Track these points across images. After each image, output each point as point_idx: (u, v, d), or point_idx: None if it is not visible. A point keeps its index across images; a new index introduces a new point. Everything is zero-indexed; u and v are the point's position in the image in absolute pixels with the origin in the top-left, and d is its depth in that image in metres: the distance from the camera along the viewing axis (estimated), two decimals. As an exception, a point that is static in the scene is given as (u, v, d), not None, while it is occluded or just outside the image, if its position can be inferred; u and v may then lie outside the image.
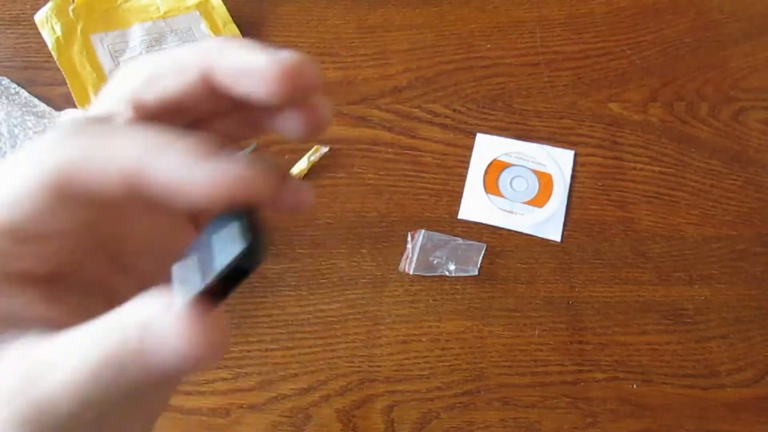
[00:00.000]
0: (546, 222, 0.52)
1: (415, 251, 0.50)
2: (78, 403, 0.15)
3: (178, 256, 0.16)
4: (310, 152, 0.54)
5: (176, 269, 0.15)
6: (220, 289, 0.15)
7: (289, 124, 0.18)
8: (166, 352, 0.14)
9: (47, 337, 0.16)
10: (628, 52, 0.60)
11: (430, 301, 0.49)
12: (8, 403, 0.15)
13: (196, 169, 0.15)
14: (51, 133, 0.16)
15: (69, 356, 0.15)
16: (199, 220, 0.21)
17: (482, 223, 0.52)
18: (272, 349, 0.47)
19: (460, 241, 0.50)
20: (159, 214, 0.19)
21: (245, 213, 0.15)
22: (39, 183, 0.16)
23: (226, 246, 0.15)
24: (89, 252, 0.18)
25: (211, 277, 0.14)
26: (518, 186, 0.54)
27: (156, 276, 0.18)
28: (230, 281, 0.15)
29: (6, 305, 0.16)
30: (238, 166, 0.15)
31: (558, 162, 0.54)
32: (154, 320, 0.14)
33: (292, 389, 0.46)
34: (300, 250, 0.51)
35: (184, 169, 0.15)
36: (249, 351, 0.47)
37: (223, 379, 0.46)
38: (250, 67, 0.16)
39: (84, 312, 0.17)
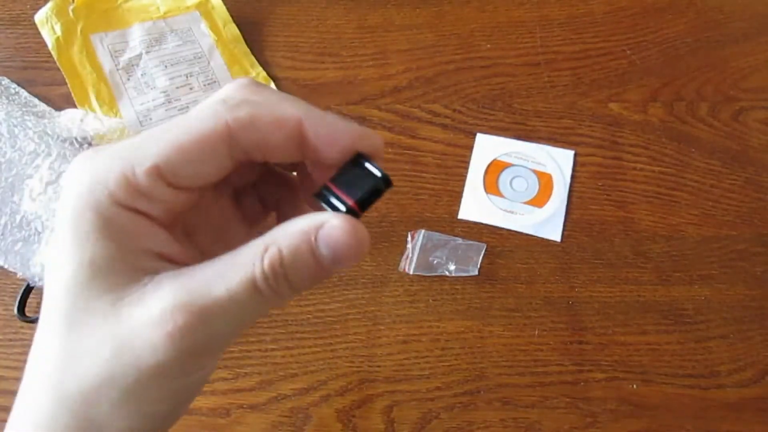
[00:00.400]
0: (546, 222, 0.52)
1: (415, 251, 0.50)
2: (237, 311, 0.19)
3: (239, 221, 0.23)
4: (310, 152, 0.54)
5: (318, 197, 0.21)
6: (363, 205, 0.21)
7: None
8: (338, 245, 0.19)
9: (191, 269, 0.20)
10: (628, 52, 0.61)
11: (430, 301, 0.49)
12: (174, 315, 0.18)
13: (344, 127, 0.21)
14: (218, 94, 0.20)
15: (231, 270, 0.19)
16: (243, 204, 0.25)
17: (482, 223, 0.52)
18: (272, 349, 0.47)
19: (460, 241, 0.50)
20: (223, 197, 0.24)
21: (366, 160, 0.22)
22: (212, 133, 0.19)
23: (362, 178, 0.21)
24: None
25: (359, 194, 0.21)
26: (518, 186, 0.54)
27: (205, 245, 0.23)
28: (371, 198, 0.21)
29: (153, 241, 0.20)
30: (367, 129, 0.22)
31: (558, 162, 0.54)
32: (327, 221, 0.20)
33: (292, 389, 0.46)
34: (300, 250, 0.51)
35: (338, 126, 0.21)
36: (249, 351, 0.47)
37: (223, 379, 0.46)
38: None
39: (191, 256, 0.21)
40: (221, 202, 0.24)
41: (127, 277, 0.19)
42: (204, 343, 0.19)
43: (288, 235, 0.20)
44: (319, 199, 0.21)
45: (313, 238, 0.19)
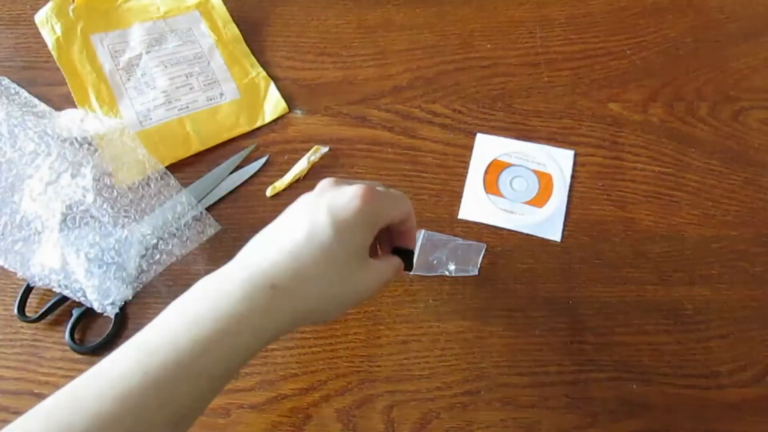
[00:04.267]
0: (546, 222, 0.52)
1: (416, 251, 0.50)
2: (377, 290, 0.39)
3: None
4: (310, 152, 0.54)
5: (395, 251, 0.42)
6: (407, 265, 0.42)
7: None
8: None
9: (372, 259, 0.38)
10: (628, 52, 0.61)
11: (430, 301, 0.49)
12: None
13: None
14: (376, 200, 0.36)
15: (385, 266, 0.39)
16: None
17: (482, 223, 0.52)
18: (272, 349, 0.47)
19: (460, 241, 0.50)
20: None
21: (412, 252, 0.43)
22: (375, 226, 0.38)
23: (409, 255, 0.42)
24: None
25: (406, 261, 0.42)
26: (518, 186, 0.54)
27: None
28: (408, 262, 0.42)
29: (370, 240, 0.37)
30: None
31: (558, 162, 0.54)
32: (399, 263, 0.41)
33: (292, 389, 0.46)
34: (300, 250, 0.51)
35: (411, 219, 0.40)
36: (249, 351, 0.47)
37: (223, 379, 0.46)
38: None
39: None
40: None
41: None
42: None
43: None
44: (395, 252, 0.42)
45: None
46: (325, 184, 0.38)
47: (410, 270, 0.43)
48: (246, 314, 0.33)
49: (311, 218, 0.35)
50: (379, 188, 0.37)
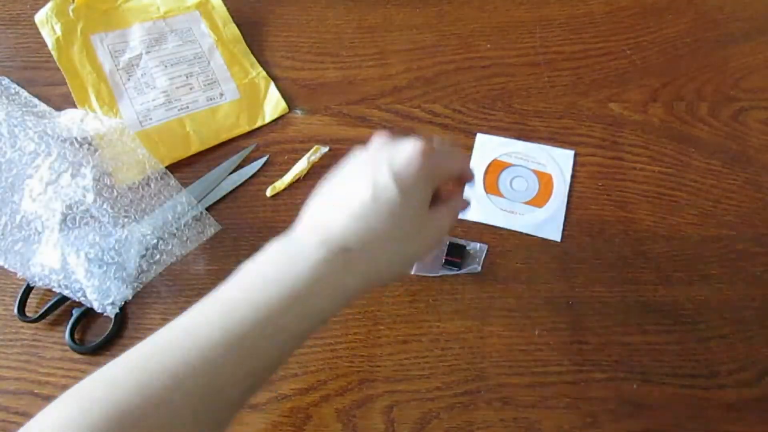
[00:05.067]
0: (546, 222, 0.52)
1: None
2: (441, 238, 0.46)
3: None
4: (310, 152, 0.54)
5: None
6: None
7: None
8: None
9: (431, 210, 0.37)
10: (628, 52, 0.61)
11: (430, 301, 0.49)
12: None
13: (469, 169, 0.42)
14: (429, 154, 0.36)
15: (446, 214, 0.39)
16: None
17: (482, 223, 0.52)
18: (272, 349, 0.47)
19: (462, 241, 0.50)
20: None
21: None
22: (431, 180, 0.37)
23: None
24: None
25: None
26: (518, 186, 0.54)
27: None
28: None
29: (430, 195, 0.37)
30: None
31: (558, 162, 0.54)
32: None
33: (292, 389, 0.46)
34: (300, 250, 0.51)
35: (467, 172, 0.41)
36: (249, 351, 0.47)
37: (223, 379, 0.46)
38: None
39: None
40: None
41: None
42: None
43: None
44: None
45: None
46: (380, 139, 0.38)
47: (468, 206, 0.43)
48: (323, 278, 0.33)
49: (374, 179, 0.35)
50: (435, 143, 0.37)
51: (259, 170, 0.54)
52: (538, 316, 0.48)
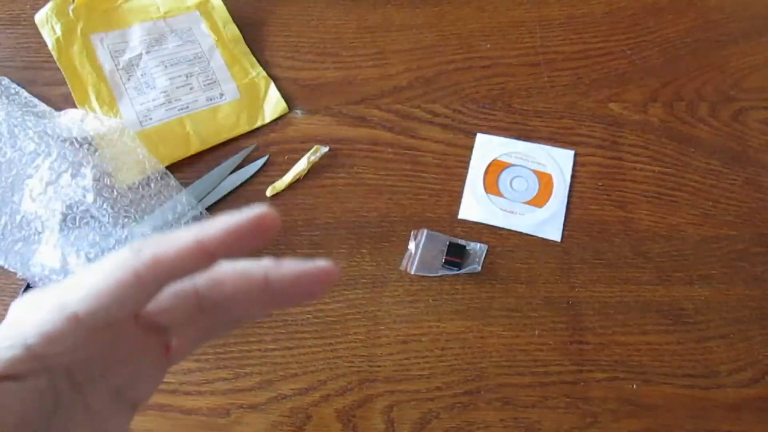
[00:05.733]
0: (546, 222, 0.52)
1: (418, 250, 0.50)
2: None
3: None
4: (310, 152, 0.54)
5: None
6: None
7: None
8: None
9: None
10: (628, 52, 0.60)
11: (430, 301, 0.49)
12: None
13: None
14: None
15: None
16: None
17: (482, 223, 0.52)
18: (272, 349, 0.47)
19: (462, 241, 0.50)
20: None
21: None
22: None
23: None
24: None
25: None
26: (518, 186, 0.54)
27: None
28: None
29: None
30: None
31: (558, 162, 0.54)
32: None
33: (292, 389, 0.46)
34: (300, 251, 0.51)
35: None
36: (249, 351, 0.47)
37: (223, 379, 0.46)
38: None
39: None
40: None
41: None
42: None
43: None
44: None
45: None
46: None
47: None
48: None
49: None
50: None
51: (259, 170, 0.54)
52: (538, 316, 0.48)
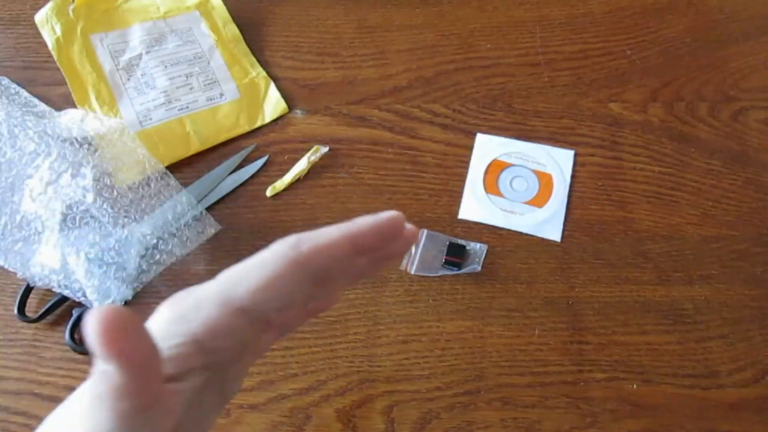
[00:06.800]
0: (546, 222, 0.52)
1: (418, 250, 0.50)
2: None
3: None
4: (310, 152, 0.54)
5: None
6: None
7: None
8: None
9: None
10: (628, 52, 0.60)
11: (430, 301, 0.49)
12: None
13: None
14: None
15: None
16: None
17: (482, 223, 0.52)
18: (272, 349, 0.47)
19: (462, 241, 0.50)
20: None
21: None
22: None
23: None
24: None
25: None
26: (518, 186, 0.54)
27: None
28: None
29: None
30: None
31: (558, 162, 0.54)
32: None
33: (292, 389, 0.46)
34: (300, 250, 0.51)
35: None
36: (249, 351, 0.47)
37: (223, 379, 0.46)
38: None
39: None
40: None
41: None
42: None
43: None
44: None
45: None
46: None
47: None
48: None
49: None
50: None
51: (259, 170, 0.54)
52: (538, 316, 0.48)
